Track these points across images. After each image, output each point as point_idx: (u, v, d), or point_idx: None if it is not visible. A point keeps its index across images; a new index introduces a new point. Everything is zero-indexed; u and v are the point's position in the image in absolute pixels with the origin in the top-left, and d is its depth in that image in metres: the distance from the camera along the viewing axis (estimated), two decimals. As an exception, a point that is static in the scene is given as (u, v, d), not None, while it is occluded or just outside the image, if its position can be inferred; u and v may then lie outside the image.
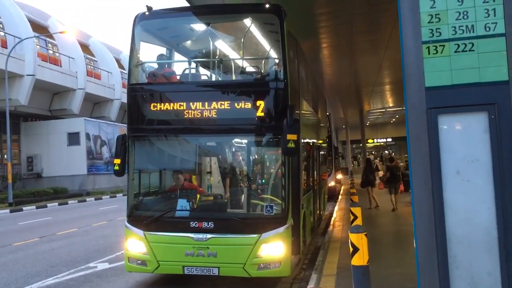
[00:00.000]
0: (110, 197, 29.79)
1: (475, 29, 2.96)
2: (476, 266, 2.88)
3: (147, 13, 8.19)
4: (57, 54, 33.97)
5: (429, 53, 3.00)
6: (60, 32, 30.73)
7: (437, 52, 3.00)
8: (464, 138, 2.96)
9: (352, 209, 8.74)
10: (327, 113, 20.83)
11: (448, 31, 3.00)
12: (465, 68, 2.97)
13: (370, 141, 55.92)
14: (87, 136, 32.47)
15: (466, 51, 2.98)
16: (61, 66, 33.24)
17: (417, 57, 2.98)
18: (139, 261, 7.54)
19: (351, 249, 5.06)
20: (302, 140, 8.71)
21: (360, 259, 4.96)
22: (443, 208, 2.92)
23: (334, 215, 15.43)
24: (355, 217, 8.48)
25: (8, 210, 22.50)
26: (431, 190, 2.93)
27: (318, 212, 12.98)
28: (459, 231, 2.94)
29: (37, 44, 30.48)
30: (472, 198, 2.93)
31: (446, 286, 2.87)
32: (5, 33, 28.40)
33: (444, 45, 3.00)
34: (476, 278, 2.88)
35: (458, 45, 2.99)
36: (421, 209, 2.95)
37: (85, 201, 27.73)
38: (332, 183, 21.97)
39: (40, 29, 32.60)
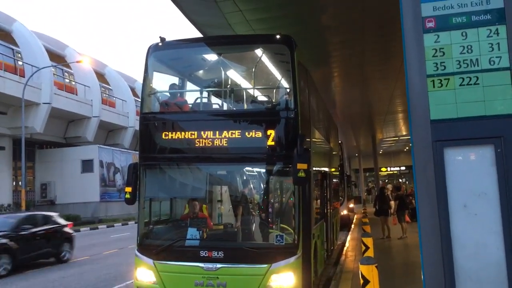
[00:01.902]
0: (122, 224, 29.79)
1: (480, 63, 2.98)
2: (486, 302, 2.83)
3: (160, 43, 8.35)
4: (73, 83, 34.63)
5: (434, 86, 3.02)
6: (77, 62, 31.42)
7: (442, 85, 3.01)
8: (470, 171, 2.94)
9: (364, 239, 8.63)
10: (339, 142, 20.80)
11: (452, 64, 3.02)
12: (470, 101, 2.98)
13: (383, 169, 55.49)
14: (101, 163, 32.75)
15: (471, 84, 2.99)
16: (76, 95, 33.83)
17: (422, 90, 3.00)
18: (148, 291, 7.48)
19: (362, 281, 4.99)
20: (314, 169, 8.69)
21: (370, 292, 4.88)
22: (450, 242, 2.88)
23: (347, 244, 15.24)
24: (367, 248, 8.37)
25: (20, 237, 22.55)
26: (438, 224, 2.90)
27: (330, 241, 12.83)
28: (467, 266, 2.89)
29: (54, 73, 31.14)
30: (480, 232, 2.89)
31: (455, 323, 2.81)
32: (23, 62, 29.09)
33: (449, 79, 3.01)
34: (486, 314, 2.82)
35: (463, 79, 3.00)
36: (428, 242, 2.92)
37: (97, 228, 27.75)
38: (344, 212, 21.76)
39: (57, 58, 33.35)
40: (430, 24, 3.05)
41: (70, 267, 13.11)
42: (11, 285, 10.75)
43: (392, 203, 18.48)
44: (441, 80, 3.01)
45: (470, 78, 2.99)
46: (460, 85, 3.00)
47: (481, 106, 2.96)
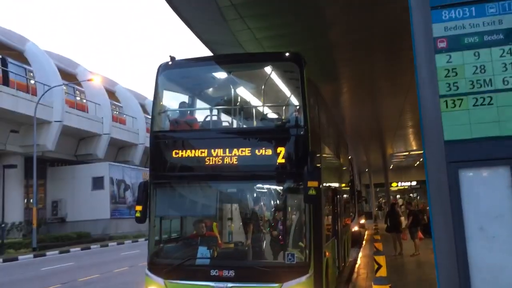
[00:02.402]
0: (132, 241, 29.75)
1: (493, 83, 2.96)
2: (506, 328, 2.75)
3: (170, 62, 8.41)
4: (84, 101, 35.01)
5: (447, 107, 2.99)
6: (88, 80, 31.77)
7: (455, 105, 2.99)
8: (486, 193, 2.89)
9: (376, 257, 8.52)
10: (349, 157, 20.70)
11: (465, 85, 3.00)
12: (485, 121, 2.94)
13: (394, 184, 54.99)
14: (111, 180, 32.89)
15: (485, 104, 2.96)
16: (87, 112, 34.17)
17: (435, 110, 2.97)
18: (159, 311, 7.42)
19: (375, 302, 4.90)
20: (324, 184, 8.64)
21: (385, 313, 4.79)
22: (467, 264, 2.82)
23: (358, 261, 15.06)
24: (379, 266, 8.25)
25: (32, 255, 22.64)
26: (454, 246, 2.84)
27: (341, 259, 12.69)
28: (485, 290, 2.83)
29: (65, 92, 31.50)
30: (497, 255, 2.83)
31: None
32: (35, 81, 29.48)
33: (462, 99, 2.99)
34: None
35: (477, 99, 2.97)
36: (444, 265, 2.86)
37: (107, 245, 27.74)
38: (355, 228, 21.55)
39: (68, 76, 33.79)
40: (442, 45, 3.03)
41: (80, 286, 13.07)
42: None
43: (402, 219, 18.31)
44: (454, 101, 2.98)
45: (484, 99, 2.96)
46: (474, 105, 2.97)
47: (495, 126, 2.92)
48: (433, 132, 2.95)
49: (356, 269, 13.44)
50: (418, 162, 48.24)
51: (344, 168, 15.67)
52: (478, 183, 2.94)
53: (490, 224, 2.86)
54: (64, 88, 31.11)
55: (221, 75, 9.38)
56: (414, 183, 60.21)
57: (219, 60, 9.85)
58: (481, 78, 2.98)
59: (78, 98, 34.56)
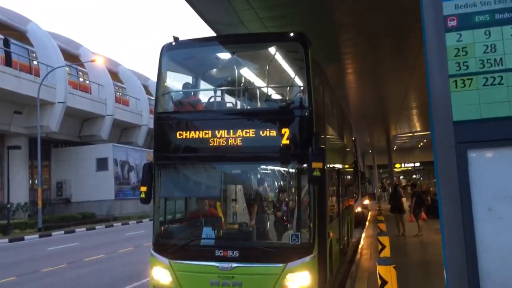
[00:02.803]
0: (137, 222, 30.00)
1: (504, 62, 2.90)
2: (512, 307, 2.76)
3: (173, 43, 8.34)
4: (87, 82, 34.93)
5: (456, 87, 2.94)
6: (91, 61, 31.65)
7: (464, 85, 2.94)
8: (495, 174, 2.86)
9: (380, 238, 8.55)
10: (353, 138, 20.68)
11: (476, 64, 2.94)
12: (495, 101, 2.90)
13: (397, 165, 55.06)
14: (115, 161, 33.01)
15: (495, 84, 2.91)
16: (91, 93, 34.13)
17: (444, 91, 2.93)
18: (164, 290, 7.50)
19: (380, 282, 4.93)
20: (328, 166, 8.63)
21: (389, 293, 4.82)
22: (475, 245, 2.81)
23: (362, 242, 15.15)
24: (383, 247, 8.29)
25: (37, 235, 22.87)
26: (462, 227, 2.83)
27: (345, 239, 12.77)
28: (492, 270, 2.82)
29: (68, 73, 31.42)
30: (505, 236, 2.81)
31: (480, 329, 2.76)
32: (38, 62, 29.38)
33: (472, 79, 2.94)
34: (512, 319, 2.75)
35: (487, 79, 2.92)
36: (452, 246, 2.85)
37: (112, 226, 27.99)
38: (359, 209, 21.62)
39: (71, 57, 33.65)
40: (452, 23, 2.97)
41: (86, 265, 13.23)
42: (28, 285, 10.87)
43: (404, 200, 18.36)
44: (464, 80, 2.93)
45: (494, 78, 2.91)
46: (484, 85, 2.92)
47: (505, 106, 2.88)
48: (441, 113, 2.91)
49: (359, 250, 13.53)
50: (422, 144, 48.22)
51: (347, 149, 15.66)
52: (487, 164, 2.91)
53: (498, 205, 2.84)
54: (67, 69, 31.02)
55: (225, 55, 9.31)
56: (417, 164, 60.26)
57: (223, 40, 9.76)
58: (491, 57, 2.93)
59: (81, 79, 34.48)
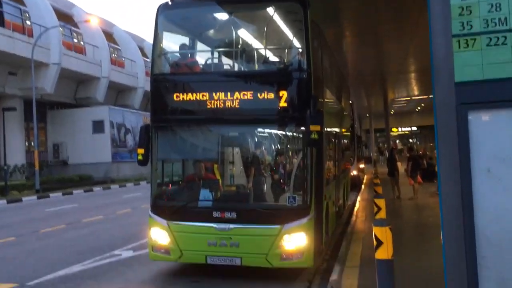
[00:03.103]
0: (134, 184, 30.21)
1: (508, 22, 2.84)
2: (507, 268, 2.81)
3: (170, 2, 8.19)
4: (82, 43, 34.38)
5: (459, 47, 2.90)
6: (85, 21, 31.06)
7: (468, 46, 2.89)
8: (495, 135, 2.86)
9: (376, 200, 8.65)
10: (350, 102, 20.61)
11: (479, 24, 2.89)
12: (498, 62, 2.86)
13: (394, 129, 55.16)
14: (111, 124, 32.93)
15: (498, 44, 2.86)
16: (85, 55, 33.66)
17: (447, 51, 2.88)
18: (162, 250, 7.63)
19: (375, 243, 5.01)
20: (326, 129, 8.65)
21: (384, 253, 4.91)
22: (472, 206, 2.84)
23: (357, 205, 15.34)
24: (379, 209, 8.40)
25: (35, 197, 23.04)
26: (460, 189, 2.84)
27: (341, 202, 12.92)
28: (489, 231, 2.85)
29: (62, 33, 30.88)
30: (503, 197, 2.84)
31: (474, 287, 2.81)
32: (31, 22, 28.83)
33: (475, 39, 2.88)
34: (507, 279, 2.80)
35: (490, 39, 2.87)
36: (449, 208, 2.88)
37: (109, 188, 28.18)
38: (354, 172, 21.77)
39: (64, 17, 32.98)
40: (456, -19, 2.90)
41: (84, 226, 13.38)
42: (27, 245, 11.02)
43: (399, 164, 18.50)
44: (467, 41, 2.88)
45: (498, 38, 2.86)
46: (487, 45, 2.87)
47: (508, 67, 2.84)
48: (443, 74, 2.87)
49: (355, 212, 13.71)
50: (419, 108, 48.18)
51: (345, 113, 15.64)
52: (488, 125, 2.90)
53: (497, 166, 2.85)
54: (61, 29, 30.46)
55: (222, 16, 9.15)
56: (414, 128, 60.40)
57: (221, 0, 9.56)
58: (496, 16, 2.87)
59: (75, 40, 33.92)
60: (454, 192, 2.83)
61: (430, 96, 33.80)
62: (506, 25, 2.85)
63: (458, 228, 2.83)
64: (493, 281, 2.80)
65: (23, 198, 22.29)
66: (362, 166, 27.32)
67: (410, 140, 62.71)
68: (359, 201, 16.23)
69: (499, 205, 2.83)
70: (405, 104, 44.09)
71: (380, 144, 56.41)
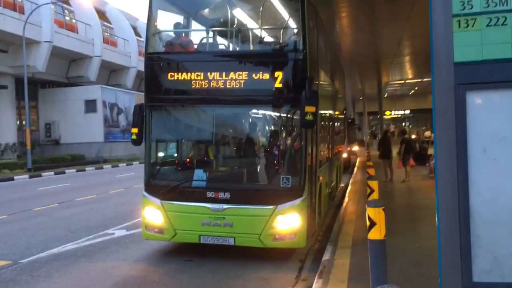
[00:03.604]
0: (127, 164, 30.17)
1: (509, 2, 2.83)
2: (500, 246, 2.85)
3: (164, -20, 8.06)
4: (74, 21, 33.92)
5: (459, 27, 2.88)
6: (77, -2, 30.57)
7: (467, 25, 2.88)
8: (492, 116, 2.87)
9: (369, 182, 8.69)
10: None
11: (480, 3, 2.87)
12: (497, 43, 2.85)
13: (387, 113, 55.30)
14: (104, 103, 32.69)
15: (498, 25, 2.85)
16: (77, 33, 33.22)
17: (447, 31, 2.87)
18: (156, 229, 7.66)
19: (368, 223, 5.04)
20: (320, 111, 8.64)
21: (377, 233, 4.94)
22: (467, 186, 2.87)
23: (349, 187, 15.44)
24: (372, 191, 8.44)
25: (27, 176, 22.95)
26: (456, 168, 2.86)
27: (333, 184, 12.99)
28: (483, 211, 2.89)
29: (53, 11, 30.41)
30: (498, 177, 2.86)
31: (468, 266, 2.85)
32: (22, -1, 28.37)
33: (475, 19, 2.87)
34: (500, 258, 2.85)
35: (490, 19, 2.86)
36: (444, 187, 2.90)
37: (102, 168, 28.13)
38: (344, 155, 21.79)
39: (56, -5, 32.44)
40: (458, -41, 2.88)
41: (77, 205, 13.38)
42: (20, 223, 11.01)
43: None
44: (467, 20, 2.87)
45: (498, 19, 2.85)
46: (487, 25, 2.87)
47: (508, 48, 2.83)
48: (443, 53, 2.87)
49: (347, 194, 13.80)
50: (413, 91, 48.25)
51: (339, 95, 15.62)
52: (485, 106, 2.91)
53: (493, 147, 2.87)
54: (53, 7, 29.99)
55: (217, -6, 9.05)
56: (407, 112, 60.58)
57: (216, -22, 9.44)
58: (496, -4, 2.86)
59: (67, 18, 33.43)
60: (450, 171, 2.86)
61: (424, 79, 33.92)
62: (507, 5, 2.84)
63: (453, 207, 2.86)
64: (486, 259, 2.85)
65: (15, 177, 22.20)
66: (355, 149, 27.43)
67: (403, 124, 62.94)
68: (352, 183, 16.33)
69: (494, 185, 2.86)
70: (398, 87, 44.16)
71: (374, 128, 56.55)
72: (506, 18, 2.85)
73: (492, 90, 2.88)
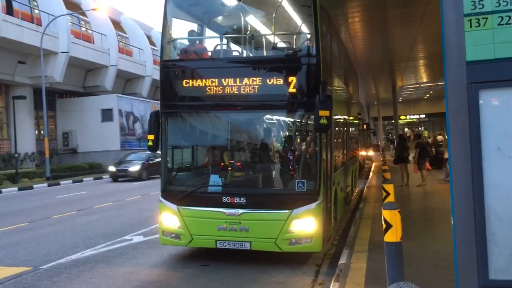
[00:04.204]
0: (143, 172, 30.33)
1: (520, 1, 2.85)
2: (516, 244, 2.85)
3: (179, -11, 8.18)
4: (90, 31, 34.43)
5: (471, 26, 2.91)
6: (93, 9, 31.08)
7: (479, 25, 2.90)
8: (505, 114, 2.88)
9: (385, 185, 8.67)
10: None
11: (491, 3, 2.89)
12: (509, 41, 2.87)
13: (402, 117, 54.93)
14: (120, 112, 33.03)
15: (510, 24, 2.87)
16: (93, 43, 33.70)
17: (458, 30, 2.89)
18: (173, 235, 7.73)
19: (384, 226, 5.04)
20: (334, 116, 8.66)
21: (393, 236, 4.94)
22: (482, 184, 2.87)
23: (365, 191, 15.37)
24: (388, 194, 8.42)
25: (46, 184, 23.30)
26: (471, 167, 2.87)
27: (349, 188, 12.96)
28: (498, 208, 2.89)
29: (70, 22, 30.92)
30: (512, 174, 2.87)
31: (484, 263, 2.85)
32: (39, 10, 28.89)
33: (487, 18, 2.89)
34: (516, 255, 2.84)
35: (502, 18, 2.88)
36: (459, 185, 2.91)
37: (119, 176, 28.34)
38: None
39: (72, 6, 33.00)
40: (468, -40, 2.90)
41: (95, 212, 13.54)
42: (40, 230, 11.18)
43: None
44: (478, 20, 2.89)
45: (510, 17, 2.86)
46: (499, 24, 2.88)
47: (519, 46, 2.86)
48: (455, 53, 2.89)
49: (363, 198, 13.74)
50: (428, 95, 47.87)
51: (353, 100, 15.61)
52: (498, 104, 2.92)
53: (507, 145, 2.87)
54: (69, 18, 30.50)
55: (231, 1, 9.15)
56: (423, 116, 60.07)
57: (229, -14, 9.55)
58: (507, -5, 2.88)
59: (83, 29, 33.97)
60: (465, 170, 2.87)
61: (439, 83, 33.65)
62: (518, 4, 2.85)
63: (468, 205, 2.87)
64: (502, 257, 2.84)
65: (34, 186, 22.55)
66: (370, 153, 27.29)
67: (419, 128, 62.41)
68: (367, 188, 16.25)
69: (509, 183, 2.86)
70: (413, 92, 43.85)
71: (390, 134, 56.14)
72: (517, 17, 2.87)
73: (505, 88, 2.89)
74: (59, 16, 27.77)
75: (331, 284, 6.07)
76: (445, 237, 7.42)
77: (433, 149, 21.11)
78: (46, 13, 28.41)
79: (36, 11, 28.89)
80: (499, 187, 2.88)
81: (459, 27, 2.89)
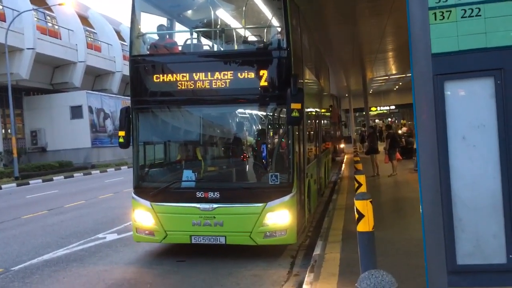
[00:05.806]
0: (115, 169, 30.00)
1: (482, -6, 2.94)
2: (482, 229, 2.95)
3: (146, -18, 8.08)
4: (56, 27, 33.62)
5: (435, 19, 2.98)
6: (59, 4, 30.33)
7: (443, 17, 2.97)
8: (470, 104, 2.97)
9: (357, 176, 8.80)
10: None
11: (455, -4, 2.98)
12: (472, 33, 2.96)
13: (373, 109, 55.67)
14: (90, 109, 32.46)
15: (472, 16, 2.95)
16: (60, 39, 32.95)
17: (424, 23, 2.96)
18: (147, 232, 7.68)
19: (357, 216, 5.12)
20: (306, 109, 8.72)
21: (365, 225, 5.02)
22: (448, 173, 2.96)
23: (338, 183, 15.56)
24: (360, 185, 8.55)
25: (15, 184, 22.74)
26: (437, 156, 2.96)
27: (322, 180, 13.10)
28: (464, 195, 2.98)
29: (35, 17, 30.14)
30: (477, 162, 2.97)
31: (452, 249, 2.94)
32: (3, 6, 28.07)
33: (450, 11, 2.97)
34: (482, 240, 2.94)
35: (465, 10, 2.96)
36: (427, 174, 3.00)
37: (90, 174, 27.95)
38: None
39: (38, 1, 32.13)
40: (431, -47, 2.97)
41: (67, 211, 13.31)
42: (9, 231, 10.94)
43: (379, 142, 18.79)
44: (442, 13, 2.97)
45: (472, 10, 2.95)
46: (462, 17, 2.96)
47: (482, 38, 2.94)
48: (421, 45, 2.96)
49: (335, 190, 13.91)
50: (397, 86, 48.63)
51: (325, 93, 15.74)
52: (463, 94, 3.01)
53: (471, 134, 2.97)
54: (34, 13, 29.72)
55: (200, -5, 9.08)
56: (393, 107, 61.04)
57: (198, -21, 9.48)
58: (470, -12, 2.96)
59: (49, 24, 33.15)
60: (432, 159, 2.95)
61: (407, 74, 34.20)
62: (480, -4, 2.94)
63: (436, 193, 2.95)
64: (469, 242, 2.94)
65: (2, 186, 21.97)
66: (342, 146, 27.57)
67: (389, 119, 63.41)
68: (340, 179, 16.45)
69: (474, 171, 2.96)
70: (383, 83, 44.47)
71: (363, 129, 56.86)
72: (479, 9, 2.95)
73: (469, 79, 2.98)
74: (24, 11, 27.00)
75: (306, 275, 6.15)
76: (416, 226, 7.58)
77: (403, 139, 21.51)
78: (10, 8, 27.60)
79: (0, 7, 28.05)
80: (465, 175, 2.97)
81: (424, 20, 2.96)
